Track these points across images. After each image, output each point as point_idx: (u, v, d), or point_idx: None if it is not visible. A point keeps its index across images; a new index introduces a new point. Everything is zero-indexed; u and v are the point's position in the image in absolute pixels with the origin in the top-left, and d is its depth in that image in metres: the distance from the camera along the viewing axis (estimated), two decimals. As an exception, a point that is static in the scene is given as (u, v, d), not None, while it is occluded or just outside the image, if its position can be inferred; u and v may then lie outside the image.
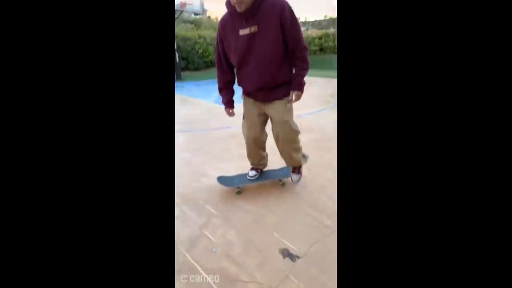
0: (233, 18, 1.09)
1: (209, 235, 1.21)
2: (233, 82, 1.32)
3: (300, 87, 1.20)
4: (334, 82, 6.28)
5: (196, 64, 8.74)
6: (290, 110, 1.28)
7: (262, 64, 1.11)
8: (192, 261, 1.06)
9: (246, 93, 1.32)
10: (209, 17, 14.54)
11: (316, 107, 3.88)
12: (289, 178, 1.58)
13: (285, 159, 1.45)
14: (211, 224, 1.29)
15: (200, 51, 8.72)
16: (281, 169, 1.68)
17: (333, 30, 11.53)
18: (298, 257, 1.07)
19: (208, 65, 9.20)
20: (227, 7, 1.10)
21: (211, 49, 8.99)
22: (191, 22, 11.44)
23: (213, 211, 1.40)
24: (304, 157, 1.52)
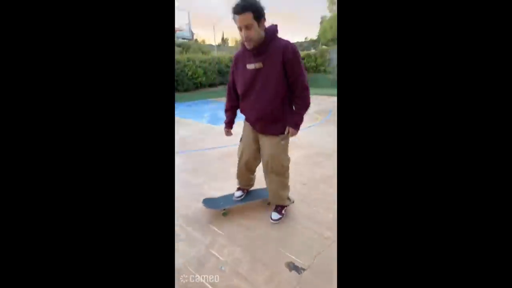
0: (244, 53, 1.24)
1: (216, 254, 1.25)
2: (238, 107, 1.44)
3: (296, 126, 1.28)
4: (319, 99, 6.65)
5: (185, 86, 8.96)
6: (284, 146, 1.36)
7: (263, 97, 1.22)
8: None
9: (247, 120, 1.42)
10: (196, 40, 15.18)
11: (304, 124, 4.09)
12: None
13: (270, 193, 1.48)
14: (217, 243, 1.33)
15: (190, 73, 9.00)
16: (266, 189, 1.72)
17: (313, 51, 12.38)
18: (303, 269, 1.13)
19: (197, 86, 9.46)
20: (241, 44, 1.25)
21: (200, 71, 9.31)
22: (179, 45, 11.88)
23: (217, 230, 1.44)
24: (289, 199, 1.51)
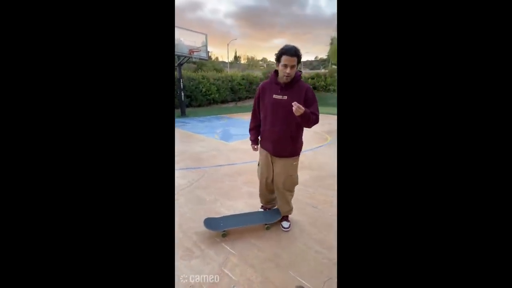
0: (271, 85, 1.53)
1: (229, 274, 1.30)
2: (260, 126, 1.69)
3: (305, 112, 1.34)
4: (329, 119, 6.75)
5: (199, 101, 9.37)
6: (296, 167, 1.62)
7: (283, 122, 1.50)
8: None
9: (261, 145, 1.67)
10: (210, 57, 16.00)
11: (313, 144, 4.16)
12: (273, 223, 1.70)
13: (280, 204, 1.71)
14: (230, 262, 1.39)
15: (204, 89, 9.44)
16: (265, 213, 1.82)
17: (323, 71, 12.74)
18: (313, 294, 1.17)
19: (210, 102, 9.85)
20: (271, 77, 1.56)
21: (214, 88, 9.75)
22: (194, 63, 12.56)
23: (230, 249, 1.50)
24: (292, 209, 1.76)
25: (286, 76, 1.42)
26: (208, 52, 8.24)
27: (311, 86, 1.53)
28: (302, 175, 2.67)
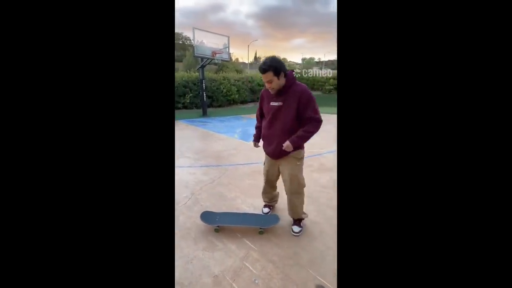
0: (268, 92, 1.58)
1: (250, 267, 1.36)
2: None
3: (294, 143, 1.47)
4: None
5: (219, 102, 9.61)
6: (300, 166, 1.62)
7: (280, 129, 1.54)
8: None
9: (263, 147, 1.73)
10: (231, 58, 16.34)
11: (334, 146, 4.09)
12: (267, 228, 1.68)
13: (289, 209, 1.72)
14: (250, 257, 1.44)
15: (225, 90, 9.67)
16: (262, 216, 1.82)
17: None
18: (333, 294, 1.18)
19: (230, 102, 10.06)
20: None
21: (234, 89, 9.94)
22: (216, 64, 12.90)
23: (251, 244, 1.56)
24: (304, 213, 1.72)
25: (270, 89, 1.49)
26: (230, 53, 8.44)
27: (306, 88, 1.50)
28: (323, 177, 2.66)
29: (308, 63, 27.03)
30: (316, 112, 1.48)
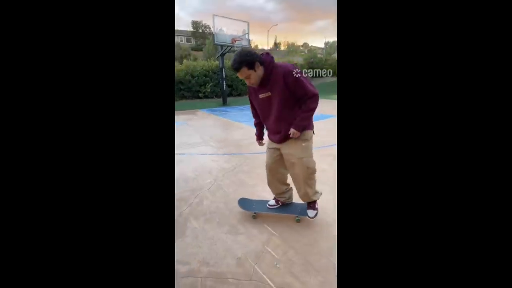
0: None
1: (272, 252, 1.40)
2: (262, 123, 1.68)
3: (298, 127, 1.39)
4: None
5: (239, 90, 9.61)
6: (306, 148, 1.47)
7: (277, 118, 1.45)
8: (261, 273, 1.25)
9: (268, 137, 1.63)
10: (250, 45, 16.02)
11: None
12: (306, 216, 1.64)
13: (299, 194, 1.61)
14: (272, 242, 1.49)
15: (244, 78, 9.62)
16: (298, 205, 1.77)
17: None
18: (355, 282, 1.18)
19: (249, 90, 10.02)
20: None
21: (253, 76, 9.83)
22: (235, 51, 12.80)
23: (272, 230, 1.60)
24: (317, 192, 1.63)
25: (250, 84, 1.40)
26: (249, 40, 8.26)
27: (287, 65, 1.35)
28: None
29: (332, 47, 25.29)
30: (307, 87, 1.34)
